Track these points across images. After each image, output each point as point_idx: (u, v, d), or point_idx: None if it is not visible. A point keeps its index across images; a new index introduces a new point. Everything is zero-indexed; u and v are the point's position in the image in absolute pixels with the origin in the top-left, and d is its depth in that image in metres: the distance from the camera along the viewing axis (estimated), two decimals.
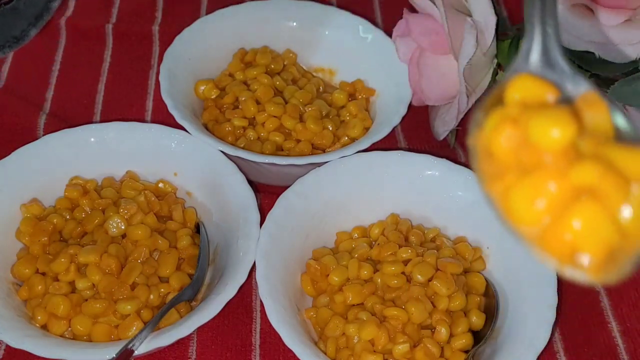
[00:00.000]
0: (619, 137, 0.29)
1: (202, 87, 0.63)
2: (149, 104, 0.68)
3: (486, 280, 0.53)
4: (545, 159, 0.28)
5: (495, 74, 0.59)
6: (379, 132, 0.58)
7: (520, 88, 0.30)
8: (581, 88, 0.30)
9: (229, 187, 0.55)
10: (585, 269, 0.28)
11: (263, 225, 0.52)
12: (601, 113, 0.29)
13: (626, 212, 0.27)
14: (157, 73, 0.64)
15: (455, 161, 0.57)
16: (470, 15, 0.57)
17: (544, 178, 0.28)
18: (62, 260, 0.51)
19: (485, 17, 0.57)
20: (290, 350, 0.46)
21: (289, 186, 0.54)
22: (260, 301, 0.50)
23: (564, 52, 0.31)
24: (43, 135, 0.63)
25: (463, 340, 0.50)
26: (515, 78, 0.30)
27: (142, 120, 0.66)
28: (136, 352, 0.46)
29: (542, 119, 0.27)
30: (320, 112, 0.62)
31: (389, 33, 0.65)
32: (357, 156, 0.56)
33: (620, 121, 0.29)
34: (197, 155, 0.57)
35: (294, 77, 0.65)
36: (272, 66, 0.65)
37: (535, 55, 0.31)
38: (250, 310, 0.54)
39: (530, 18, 0.31)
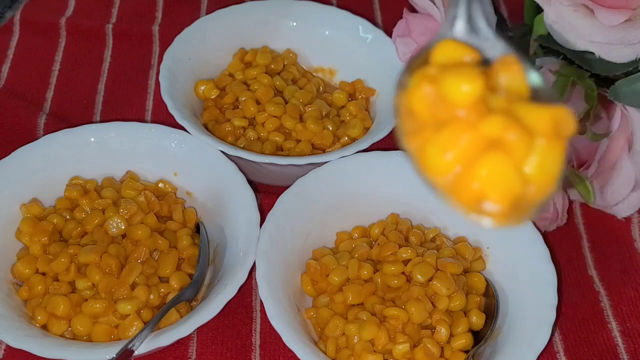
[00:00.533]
0: (536, 97, 0.31)
1: (202, 87, 0.63)
2: (149, 104, 0.68)
3: (486, 280, 0.53)
4: (457, 114, 0.30)
5: None
6: (379, 132, 0.58)
7: (444, 52, 0.32)
8: (501, 52, 0.32)
9: (229, 187, 0.55)
10: (491, 215, 0.30)
11: (263, 225, 0.52)
12: (516, 74, 0.31)
13: (530, 163, 0.29)
14: (157, 73, 0.64)
15: None
16: None
17: (455, 131, 0.30)
18: (62, 260, 0.51)
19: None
20: (290, 350, 0.46)
21: (289, 186, 0.54)
22: (260, 301, 0.50)
23: (488, 19, 0.33)
24: (43, 135, 0.63)
25: (463, 340, 0.50)
26: (439, 43, 0.32)
27: (142, 120, 0.66)
28: (136, 352, 0.46)
29: (453, 76, 0.30)
30: (320, 112, 0.62)
31: (389, 33, 0.65)
32: (357, 156, 0.56)
33: (536, 81, 0.32)
34: (197, 155, 0.57)
35: (294, 77, 0.65)
36: (272, 66, 0.65)
37: (460, 22, 0.33)
38: (250, 310, 0.54)
39: None
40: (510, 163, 0.29)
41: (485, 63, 0.32)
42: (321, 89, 0.66)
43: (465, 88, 0.29)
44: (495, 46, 0.32)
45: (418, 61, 0.32)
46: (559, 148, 0.30)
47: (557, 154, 0.30)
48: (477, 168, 0.30)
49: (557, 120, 0.30)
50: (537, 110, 0.30)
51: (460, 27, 0.33)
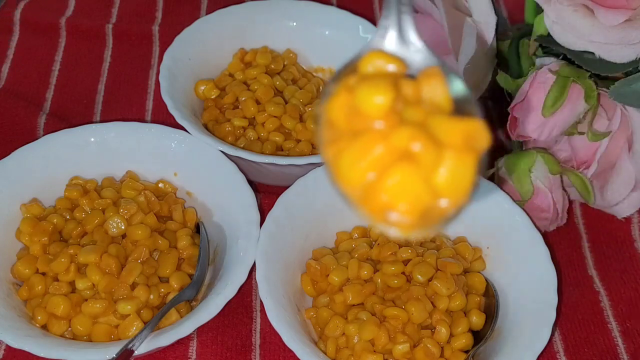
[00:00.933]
0: (460, 109, 0.32)
1: (202, 87, 0.63)
2: (149, 104, 0.68)
3: (486, 280, 0.53)
4: (371, 125, 0.30)
5: (495, 74, 0.59)
6: None
7: (370, 62, 0.32)
8: (428, 63, 0.33)
9: (229, 187, 0.55)
10: (399, 226, 0.30)
11: (263, 225, 0.52)
12: (438, 86, 0.31)
13: (439, 175, 0.30)
14: (157, 73, 0.64)
15: None
16: (470, 15, 0.57)
17: (368, 142, 0.30)
18: (62, 260, 0.51)
19: (485, 17, 0.57)
20: (290, 350, 0.46)
21: (289, 186, 0.54)
22: (260, 301, 0.50)
23: (417, 31, 0.34)
24: (43, 135, 0.63)
25: (463, 340, 0.50)
26: (368, 53, 0.33)
27: (142, 120, 0.66)
28: (136, 352, 0.46)
29: (364, 87, 0.30)
30: None
31: None
32: None
33: (460, 93, 0.32)
34: (197, 155, 0.57)
35: (294, 77, 0.65)
36: (272, 66, 0.65)
37: (390, 33, 0.34)
38: (250, 310, 0.54)
39: (388, 2, 0.34)
40: (418, 174, 0.30)
41: (413, 75, 0.32)
42: (321, 89, 0.66)
43: (375, 99, 0.30)
44: (426, 58, 0.33)
45: (347, 70, 0.33)
46: (471, 161, 0.30)
47: (468, 166, 0.30)
48: (386, 179, 0.30)
49: (469, 133, 0.30)
50: (450, 122, 0.30)
51: (391, 38, 0.34)
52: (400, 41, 0.34)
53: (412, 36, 0.34)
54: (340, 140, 0.31)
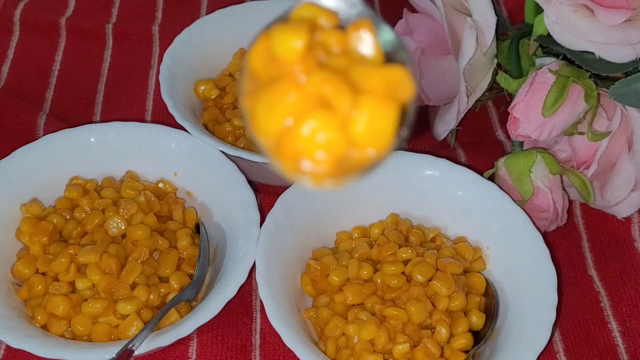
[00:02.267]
0: (395, 61, 0.30)
1: (202, 87, 0.63)
2: (149, 104, 0.68)
3: (486, 280, 0.53)
4: (287, 72, 0.29)
5: (495, 73, 0.59)
6: None
7: (301, 13, 0.31)
8: (362, 15, 0.32)
9: (229, 187, 0.55)
10: (314, 175, 0.29)
11: (263, 225, 0.52)
12: (366, 37, 0.30)
13: (356, 123, 0.28)
14: (157, 73, 0.64)
15: (455, 161, 0.57)
16: (470, 15, 0.57)
17: (282, 89, 0.29)
18: (62, 260, 0.51)
19: (485, 17, 0.57)
20: (290, 350, 0.46)
21: (289, 186, 0.54)
22: (260, 301, 0.50)
23: None
24: (43, 135, 0.63)
25: (463, 340, 0.50)
26: (299, 5, 0.32)
27: (142, 120, 0.66)
28: (136, 352, 0.46)
29: (278, 32, 0.29)
30: None
31: None
32: None
33: (391, 44, 0.31)
34: (197, 155, 0.57)
35: None
36: None
37: None
38: (250, 310, 0.54)
39: None
40: (332, 121, 0.28)
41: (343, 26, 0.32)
42: None
43: (289, 41, 0.29)
44: (360, 12, 0.32)
45: (280, 23, 0.32)
46: (391, 109, 0.29)
47: (387, 115, 0.29)
48: (299, 126, 0.29)
49: (390, 81, 0.29)
50: (370, 70, 0.29)
51: None
52: None
53: None
54: (260, 89, 0.30)
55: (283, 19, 0.32)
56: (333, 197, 0.55)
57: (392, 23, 0.63)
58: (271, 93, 0.29)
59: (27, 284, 0.51)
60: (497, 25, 0.57)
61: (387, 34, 0.31)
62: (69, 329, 0.49)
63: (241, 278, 0.50)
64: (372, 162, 0.30)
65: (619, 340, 0.54)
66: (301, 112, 0.29)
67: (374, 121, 0.29)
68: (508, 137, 0.64)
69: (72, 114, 0.67)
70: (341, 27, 0.31)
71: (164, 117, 0.64)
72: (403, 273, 0.52)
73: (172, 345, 0.50)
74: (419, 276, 0.51)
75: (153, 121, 0.65)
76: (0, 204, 0.54)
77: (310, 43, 0.29)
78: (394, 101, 0.29)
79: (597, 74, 0.55)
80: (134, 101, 0.69)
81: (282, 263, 0.51)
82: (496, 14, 0.57)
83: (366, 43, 0.31)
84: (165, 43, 0.65)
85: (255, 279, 0.49)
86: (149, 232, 0.53)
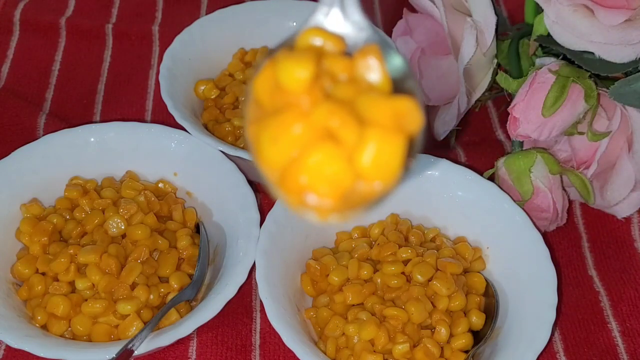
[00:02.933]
0: (400, 89, 0.30)
1: (202, 87, 0.63)
2: (149, 104, 0.68)
3: (486, 280, 0.53)
4: (293, 102, 0.28)
5: (495, 74, 0.59)
6: None
7: (308, 39, 0.31)
8: (371, 42, 0.31)
9: (229, 187, 0.55)
10: (318, 210, 0.28)
11: (263, 225, 0.52)
12: (373, 64, 0.30)
13: (362, 156, 0.28)
14: (157, 73, 0.64)
15: (455, 161, 0.57)
16: (470, 15, 0.57)
17: (287, 119, 0.28)
18: (62, 260, 0.51)
19: (485, 17, 0.57)
20: (290, 350, 0.46)
21: None
22: (260, 301, 0.50)
23: (361, 7, 0.32)
24: (43, 135, 0.63)
25: (463, 340, 0.50)
26: (305, 29, 0.31)
27: (142, 120, 0.66)
28: (136, 352, 0.46)
29: (284, 60, 0.28)
30: None
31: (389, 33, 0.65)
32: None
33: (400, 72, 0.30)
34: (197, 155, 0.57)
35: None
36: None
37: (333, 11, 0.32)
38: (250, 310, 0.54)
39: None
40: (338, 154, 0.28)
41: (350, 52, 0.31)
42: None
43: (295, 72, 0.28)
44: (368, 37, 0.31)
45: (284, 48, 0.31)
46: (398, 142, 0.28)
47: (394, 148, 0.28)
48: (304, 158, 0.28)
49: (398, 113, 0.28)
50: (377, 100, 0.28)
51: (333, 15, 0.32)
52: (343, 19, 0.32)
53: (356, 13, 0.32)
54: (264, 118, 0.29)
55: (289, 44, 0.31)
56: None
57: (392, 23, 0.63)
58: (276, 123, 0.28)
59: (27, 284, 0.51)
60: (497, 25, 0.57)
61: (396, 61, 0.31)
62: (69, 329, 0.49)
63: (241, 278, 0.50)
64: (378, 196, 0.29)
65: (619, 340, 0.54)
66: (306, 144, 0.28)
67: (381, 154, 0.28)
68: (508, 137, 0.64)
69: (72, 114, 0.67)
70: (348, 52, 0.30)
71: (164, 117, 0.64)
72: (403, 273, 0.52)
73: (172, 345, 0.50)
74: (419, 276, 0.51)
75: (153, 121, 0.65)
76: (0, 204, 0.54)
77: (317, 73, 0.28)
78: (402, 133, 0.28)
79: (597, 74, 0.55)
80: (134, 101, 0.69)
81: (282, 263, 0.51)
82: (496, 14, 0.57)
83: (374, 70, 0.30)
84: (165, 43, 0.65)
85: (255, 279, 0.49)
86: (148, 232, 0.53)
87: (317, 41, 0.30)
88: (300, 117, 0.28)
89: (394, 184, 0.29)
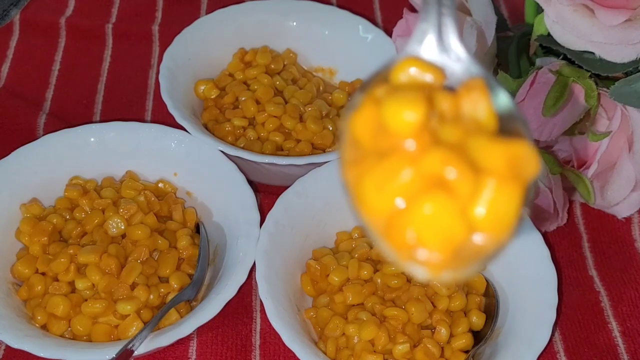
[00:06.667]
0: (506, 127, 0.27)
1: (202, 87, 0.63)
2: (149, 104, 0.68)
3: (486, 280, 0.53)
4: (399, 145, 0.26)
5: (495, 74, 0.59)
6: None
7: (404, 70, 0.28)
8: (470, 75, 0.29)
9: (229, 187, 0.55)
10: (428, 265, 0.26)
11: (263, 225, 0.52)
12: (480, 101, 0.27)
13: (477, 207, 0.26)
14: (157, 73, 0.64)
15: None
16: (470, 15, 0.57)
17: (394, 165, 0.26)
18: (62, 260, 0.51)
19: (485, 17, 0.57)
20: (290, 350, 0.46)
21: (289, 186, 0.54)
22: (260, 301, 0.50)
23: (460, 37, 0.29)
24: (43, 135, 0.63)
25: (463, 341, 0.50)
26: (401, 60, 0.28)
27: (142, 120, 0.66)
28: (136, 352, 0.46)
29: (392, 100, 0.26)
30: (320, 112, 0.62)
31: (389, 33, 0.65)
32: None
33: (507, 108, 0.28)
34: (197, 155, 0.57)
35: (294, 77, 0.65)
36: (272, 66, 0.65)
37: (429, 38, 0.29)
38: (250, 310, 0.54)
39: (427, 2, 0.29)
40: (452, 206, 0.25)
41: (452, 86, 0.28)
42: (321, 88, 0.66)
43: (404, 115, 0.25)
44: (467, 68, 0.29)
45: (377, 80, 0.29)
46: (515, 191, 0.26)
47: (511, 198, 0.26)
48: (414, 210, 0.25)
49: (514, 158, 0.26)
50: (492, 145, 0.26)
51: (429, 43, 0.29)
52: (439, 47, 0.29)
53: (454, 42, 0.29)
54: (364, 160, 0.27)
55: (382, 76, 0.28)
56: (333, 197, 0.55)
57: (392, 23, 0.63)
58: (382, 169, 0.26)
59: (27, 284, 0.51)
60: (497, 25, 0.57)
61: (503, 98, 0.28)
62: (69, 329, 0.49)
63: (241, 278, 0.50)
64: (492, 249, 0.27)
65: (619, 341, 0.54)
66: (415, 193, 0.25)
67: (499, 205, 0.25)
68: None
69: (72, 114, 0.67)
70: (447, 86, 0.28)
71: (163, 117, 0.64)
72: (403, 273, 0.52)
73: (172, 345, 0.50)
74: None
75: (153, 121, 0.65)
76: (0, 204, 0.54)
77: (427, 114, 0.26)
78: (518, 181, 0.26)
79: (597, 74, 0.55)
80: (134, 101, 0.68)
81: (282, 263, 0.51)
82: (496, 14, 0.57)
83: (480, 108, 0.27)
84: (165, 43, 0.65)
85: (255, 279, 0.49)
86: (148, 232, 0.53)
87: (417, 74, 0.28)
88: (408, 162, 0.26)
89: (509, 237, 0.27)
